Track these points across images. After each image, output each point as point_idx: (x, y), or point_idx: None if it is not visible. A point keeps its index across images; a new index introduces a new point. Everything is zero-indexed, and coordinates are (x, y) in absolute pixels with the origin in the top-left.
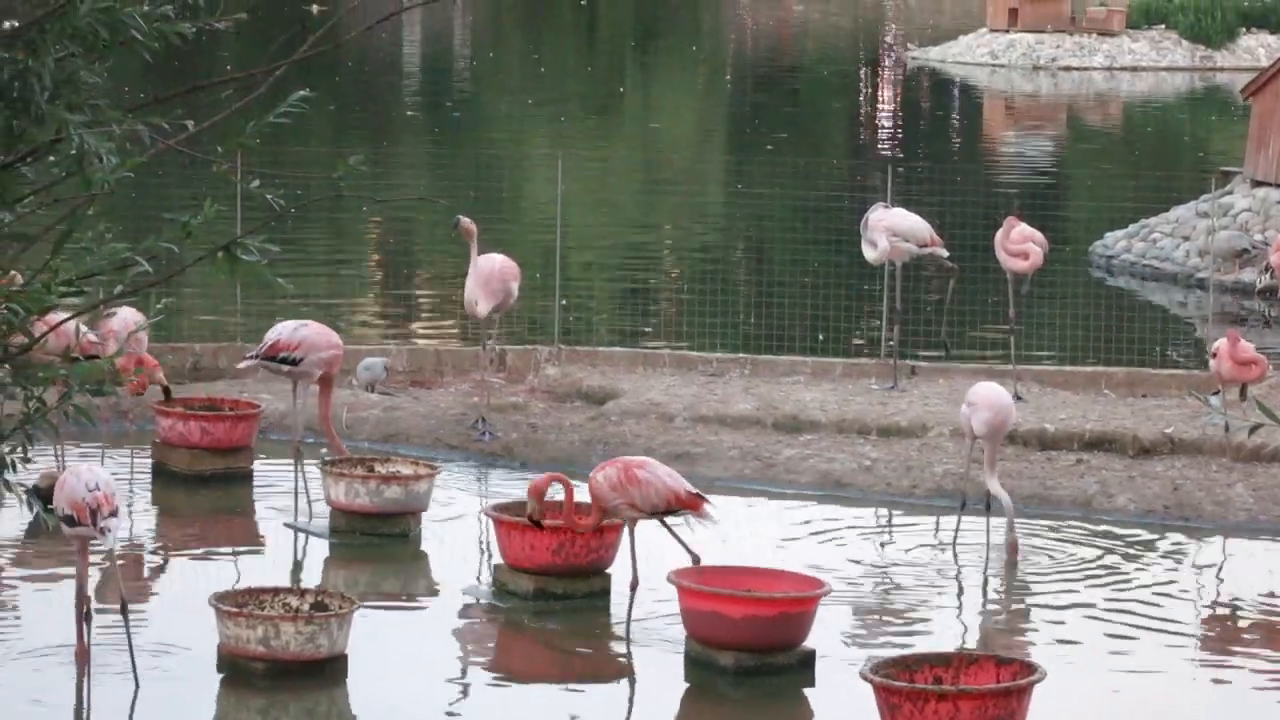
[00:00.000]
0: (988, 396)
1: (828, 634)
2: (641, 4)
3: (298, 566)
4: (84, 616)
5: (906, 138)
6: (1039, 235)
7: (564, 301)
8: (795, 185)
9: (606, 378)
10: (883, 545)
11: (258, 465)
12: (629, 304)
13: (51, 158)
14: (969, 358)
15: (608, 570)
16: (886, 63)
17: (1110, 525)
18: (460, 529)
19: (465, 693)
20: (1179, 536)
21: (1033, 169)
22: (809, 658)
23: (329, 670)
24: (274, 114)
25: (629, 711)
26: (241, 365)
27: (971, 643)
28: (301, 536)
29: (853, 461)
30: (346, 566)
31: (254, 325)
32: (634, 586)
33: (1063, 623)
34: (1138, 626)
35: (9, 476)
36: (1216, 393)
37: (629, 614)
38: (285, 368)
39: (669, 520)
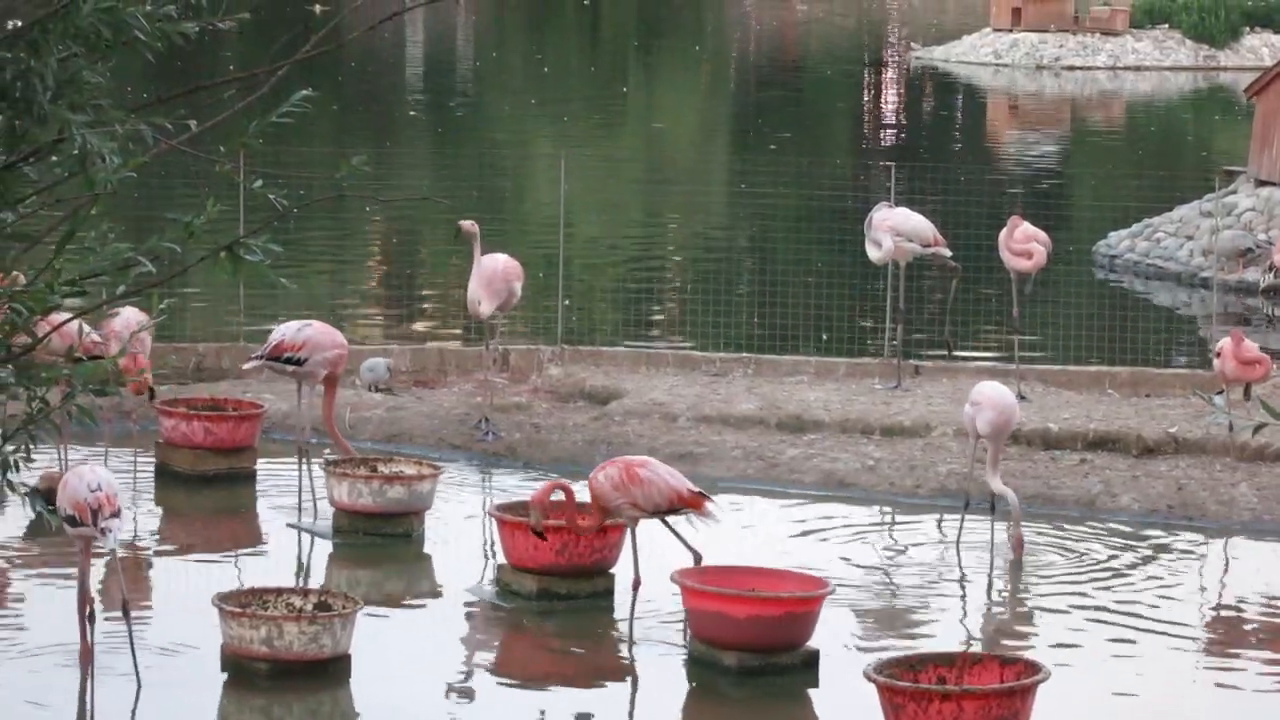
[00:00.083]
0: (992, 396)
1: (831, 634)
2: (645, 4)
3: (301, 567)
4: (87, 617)
5: (910, 137)
6: (1042, 235)
7: (567, 301)
8: (799, 185)
9: (610, 377)
10: (886, 545)
11: (261, 465)
12: (632, 304)
13: (54, 158)
14: (972, 357)
15: (611, 570)
16: (890, 62)
17: (1114, 525)
18: (464, 529)
19: (468, 693)
20: (1183, 536)
21: (1036, 169)
22: (812, 658)
23: (332, 670)
24: (276, 114)
25: (632, 712)
26: (246, 366)
27: (975, 643)
28: (305, 537)
29: (856, 461)
30: (350, 567)
31: (257, 325)
32: (636, 586)
33: (1066, 623)
34: (1141, 626)
35: (11, 477)
36: (1220, 392)
37: (631, 614)
38: (290, 368)
39: (671, 519)
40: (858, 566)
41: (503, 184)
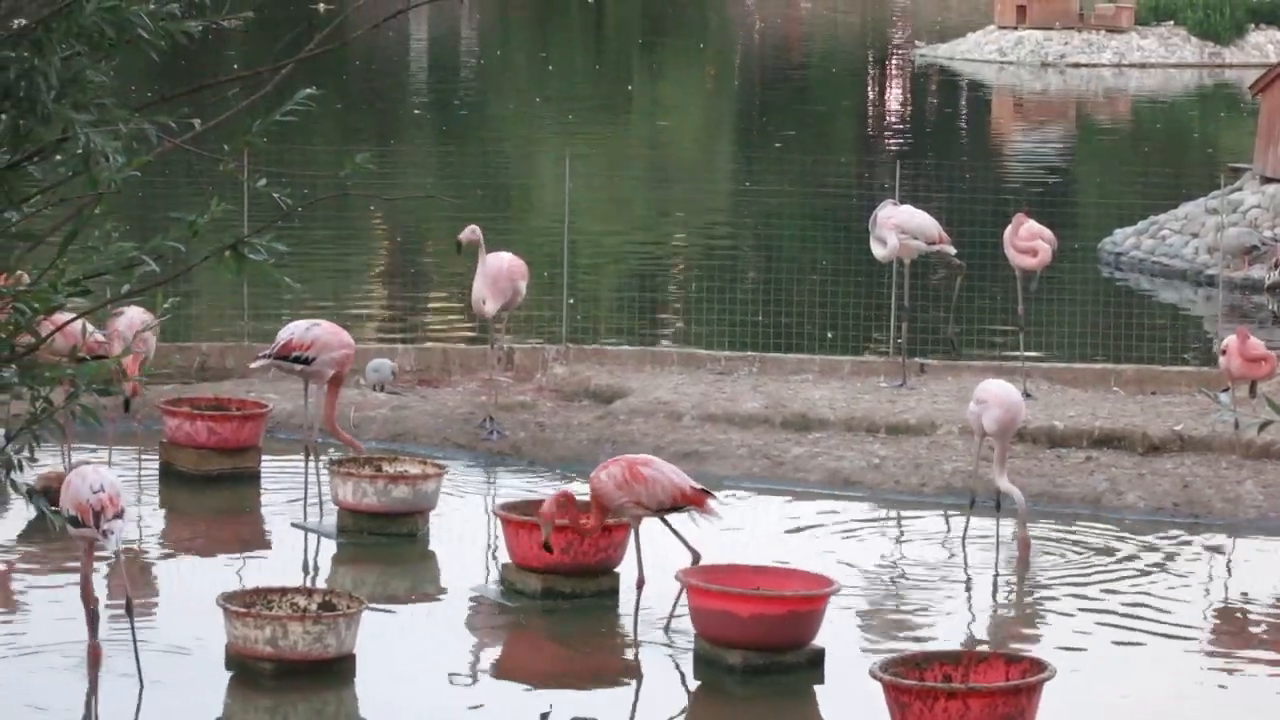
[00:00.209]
0: (997, 394)
1: (837, 632)
2: (649, 2)
3: (305, 566)
4: (92, 616)
5: (915, 135)
6: (1048, 232)
7: (572, 300)
8: (803, 183)
9: (614, 376)
10: (891, 543)
11: (265, 465)
12: (637, 302)
13: (58, 157)
14: (978, 355)
15: (616, 569)
16: (894, 60)
17: (1120, 523)
18: (468, 528)
19: (473, 692)
20: (1188, 534)
21: (1041, 166)
22: (818, 656)
23: (337, 670)
24: (280, 112)
25: (637, 710)
26: (254, 365)
27: (981, 640)
28: (309, 536)
29: (862, 459)
30: (354, 566)
31: (261, 325)
32: (640, 585)
33: (1072, 621)
34: (1147, 624)
35: (15, 477)
36: (1226, 390)
37: (635, 612)
38: (298, 367)
39: (673, 517)
40: (863, 565)
41: (507, 182)
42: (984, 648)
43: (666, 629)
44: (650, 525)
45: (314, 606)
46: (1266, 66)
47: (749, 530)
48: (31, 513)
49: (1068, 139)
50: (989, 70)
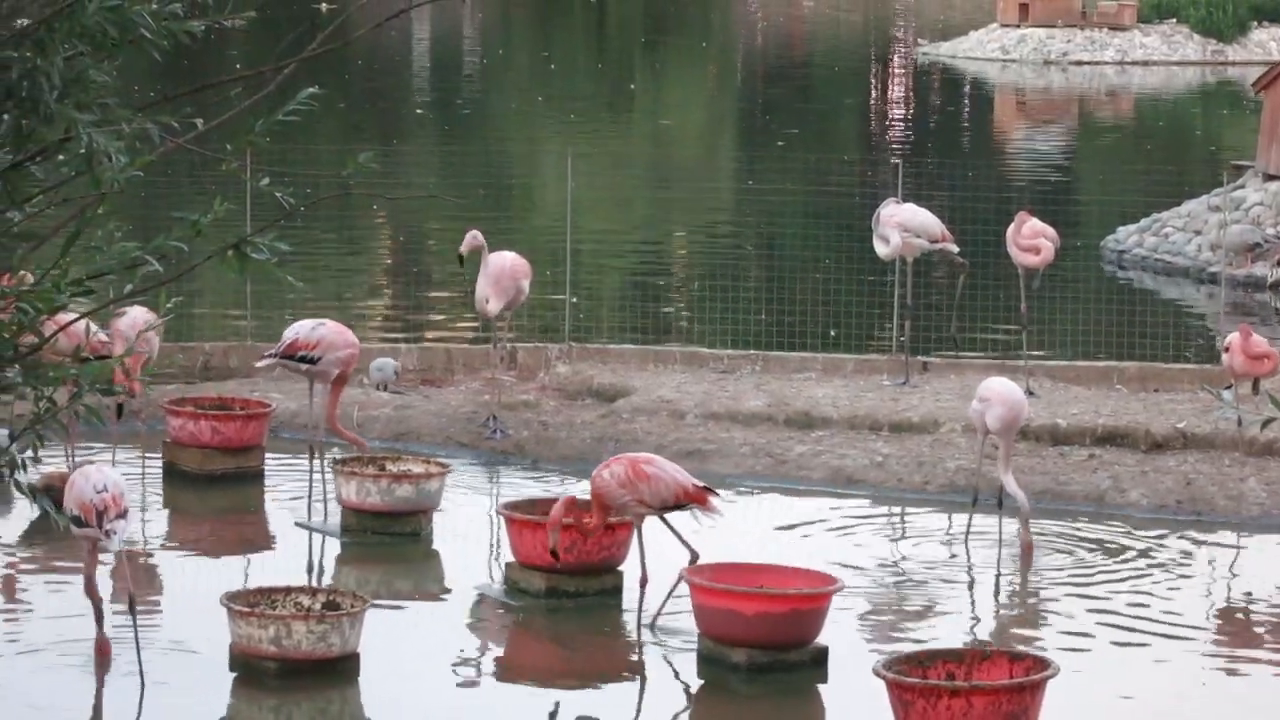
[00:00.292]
0: (1000, 392)
1: (840, 630)
2: (651, 1)
3: (309, 566)
4: (98, 611)
5: (917, 133)
6: (1050, 230)
7: (574, 299)
8: (806, 181)
9: (617, 375)
10: (895, 541)
11: (268, 464)
12: (639, 301)
13: (61, 157)
14: (980, 353)
15: (619, 568)
16: (897, 58)
17: (1123, 520)
18: (472, 527)
19: (477, 691)
20: (1192, 531)
21: (1044, 164)
22: (822, 654)
23: (341, 669)
24: (283, 112)
25: (641, 709)
26: (260, 364)
27: (984, 638)
28: (313, 535)
29: (864, 458)
30: (358, 565)
31: (264, 324)
32: (644, 583)
33: (1075, 618)
34: (1150, 622)
35: (19, 476)
36: (1229, 387)
37: (639, 611)
38: (304, 366)
39: (672, 516)
40: (866, 563)
41: (509, 181)
42: (987, 645)
43: (652, 626)
44: (651, 523)
45: (318, 606)
46: (1269, 64)
47: (752, 529)
48: (35, 513)
49: (1070, 137)
50: (991, 68)
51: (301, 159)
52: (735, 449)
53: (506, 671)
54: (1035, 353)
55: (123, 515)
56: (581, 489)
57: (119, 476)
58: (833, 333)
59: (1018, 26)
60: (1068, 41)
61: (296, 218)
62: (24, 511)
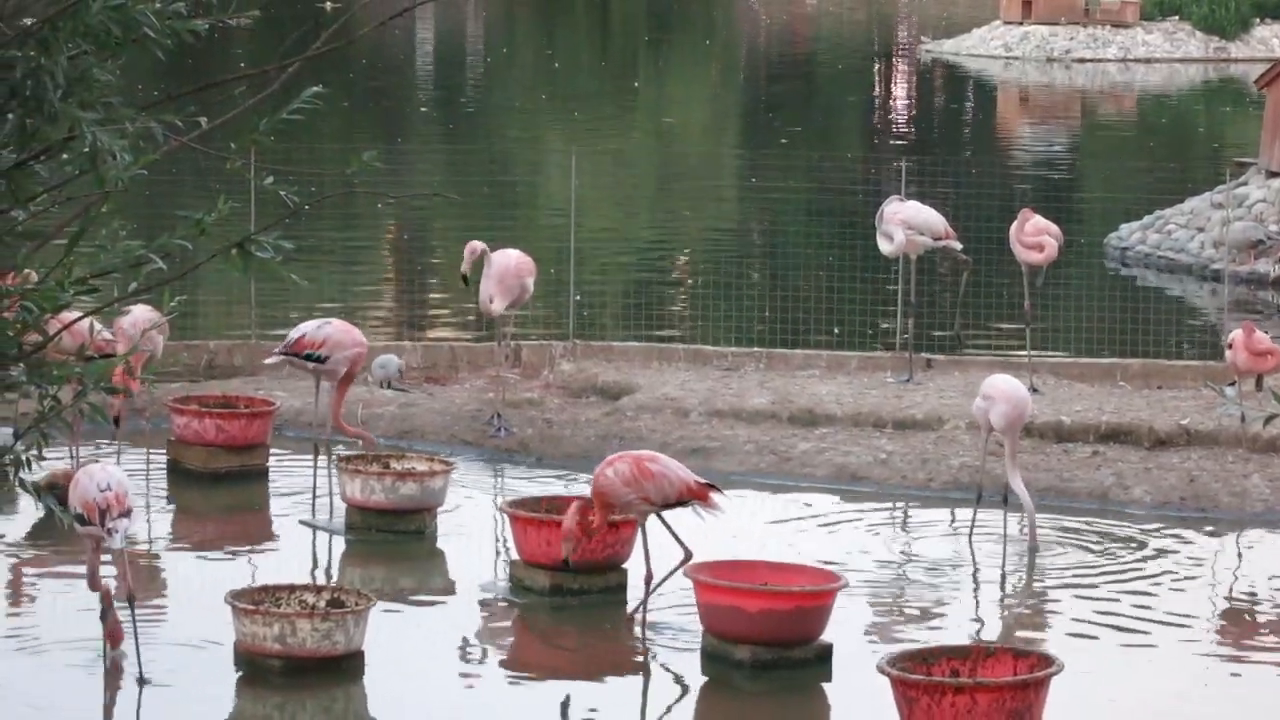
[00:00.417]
0: (1004, 390)
1: (844, 628)
2: None
3: (314, 564)
4: (105, 598)
5: (920, 131)
6: (1054, 227)
7: (578, 297)
8: (809, 179)
9: (621, 373)
10: (899, 539)
11: (273, 462)
12: (643, 299)
13: (65, 156)
14: (984, 350)
15: (624, 565)
16: (900, 56)
17: (1126, 517)
18: (476, 525)
19: (482, 689)
20: (1195, 528)
21: (1047, 161)
22: (826, 651)
23: (345, 667)
24: (287, 110)
25: (645, 706)
26: (268, 361)
27: (989, 635)
28: (317, 533)
29: (868, 455)
30: (362, 563)
31: (269, 322)
32: (648, 581)
33: (1079, 615)
34: (1155, 618)
35: (24, 475)
36: (1232, 384)
37: (644, 608)
38: (310, 365)
39: (676, 511)
40: (870, 560)
41: (513, 179)
42: (991, 642)
43: (633, 618)
44: (652, 521)
45: (322, 604)
46: (1272, 61)
47: (756, 526)
48: (39, 511)
49: (1073, 134)
50: (995, 66)
51: (305, 158)
52: (739, 446)
53: (511, 669)
54: (1039, 350)
55: (126, 514)
56: (586, 487)
57: (123, 475)
58: (836, 330)
59: (1021, 24)
60: (1070, 39)
61: (300, 216)
62: (29, 510)
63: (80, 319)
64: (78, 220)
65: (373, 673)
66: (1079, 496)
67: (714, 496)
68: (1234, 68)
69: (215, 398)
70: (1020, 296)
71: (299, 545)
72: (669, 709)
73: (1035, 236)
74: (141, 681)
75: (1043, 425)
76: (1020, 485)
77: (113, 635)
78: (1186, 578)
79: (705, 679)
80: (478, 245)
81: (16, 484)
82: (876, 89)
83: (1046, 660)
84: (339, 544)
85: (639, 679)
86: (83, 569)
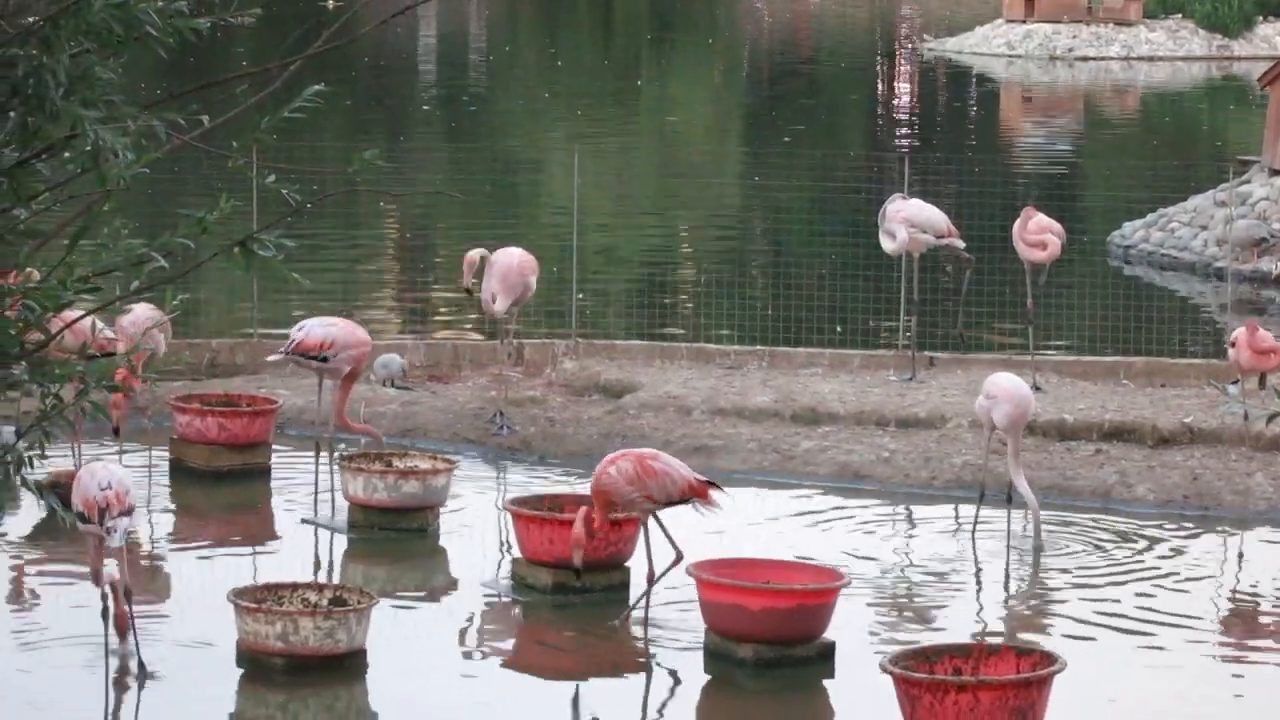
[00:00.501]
0: (1007, 388)
1: (847, 626)
2: None
3: (316, 562)
4: (112, 588)
5: (923, 129)
6: (1057, 225)
7: (581, 295)
8: (812, 177)
9: (624, 371)
10: (902, 537)
11: (275, 461)
12: (646, 297)
13: (66, 154)
14: (987, 348)
15: (626, 563)
16: (903, 54)
17: (1130, 515)
18: (479, 523)
19: (484, 687)
20: (1199, 526)
21: (1050, 159)
22: (828, 650)
23: (348, 665)
24: (289, 109)
25: (648, 704)
26: (271, 358)
27: (991, 634)
28: (320, 532)
29: (871, 453)
30: (365, 561)
31: (271, 321)
32: (651, 579)
33: (1082, 613)
34: (1158, 616)
35: (25, 474)
36: (1235, 382)
37: (646, 606)
38: (314, 363)
39: (675, 509)
40: (873, 558)
41: (516, 178)
42: (994, 640)
43: (628, 623)
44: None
45: (325, 602)
46: (1275, 59)
47: (758, 524)
48: (42, 510)
49: (1076, 132)
50: (997, 64)
51: (307, 156)
52: (742, 445)
53: (513, 667)
54: (1042, 348)
55: (126, 513)
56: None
57: (125, 474)
58: (839, 328)
59: (1023, 22)
60: (1073, 37)
61: (303, 215)
62: (31, 509)
63: (82, 317)
64: (80, 219)
65: (375, 671)
66: (1082, 495)
67: (714, 494)
68: (1237, 66)
69: (217, 396)
70: (1023, 295)
71: (301, 543)
72: (671, 707)
73: (1038, 235)
74: (143, 679)
75: (1046, 423)
76: (1024, 484)
77: (120, 623)
78: (1189, 577)
79: (708, 677)
80: (475, 254)
81: (19, 482)
82: (879, 87)
83: (1049, 659)
84: (341, 542)
85: (641, 677)
86: (84, 567)
